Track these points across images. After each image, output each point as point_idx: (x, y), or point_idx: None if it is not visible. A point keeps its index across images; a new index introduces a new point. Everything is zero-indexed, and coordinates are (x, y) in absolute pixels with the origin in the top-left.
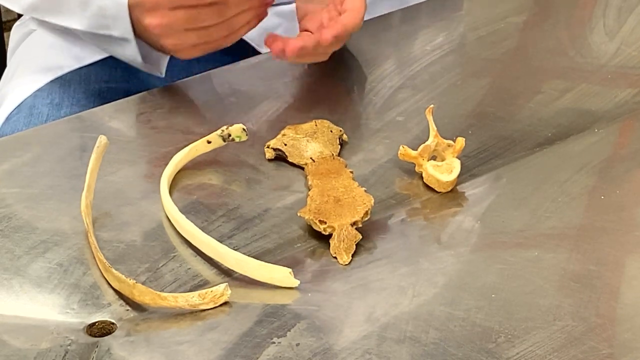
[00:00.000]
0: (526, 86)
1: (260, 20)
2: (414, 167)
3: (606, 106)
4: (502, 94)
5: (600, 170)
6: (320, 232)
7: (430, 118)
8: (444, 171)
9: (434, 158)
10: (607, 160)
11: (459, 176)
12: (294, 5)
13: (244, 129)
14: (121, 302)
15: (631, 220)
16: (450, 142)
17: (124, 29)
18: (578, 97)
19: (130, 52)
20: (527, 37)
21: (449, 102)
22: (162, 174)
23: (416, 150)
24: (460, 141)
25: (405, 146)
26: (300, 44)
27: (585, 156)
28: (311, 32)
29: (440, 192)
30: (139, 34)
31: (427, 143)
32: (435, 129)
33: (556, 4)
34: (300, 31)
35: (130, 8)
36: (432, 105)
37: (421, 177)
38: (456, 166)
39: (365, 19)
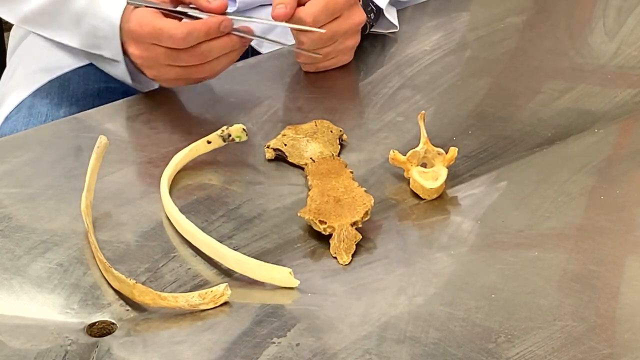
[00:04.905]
0: (526, 86)
1: (239, 55)
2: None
3: (606, 106)
4: (502, 94)
5: (600, 170)
6: (320, 232)
7: (421, 124)
8: (429, 178)
9: (424, 165)
10: (607, 160)
11: (457, 177)
12: None
13: (244, 129)
14: (121, 302)
15: (631, 220)
16: (440, 150)
17: (114, 50)
18: (578, 97)
19: (119, 72)
20: (527, 37)
21: (449, 102)
22: (162, 174)
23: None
24: (452, 151)
25: (395, 151)
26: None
27: (585, 156)
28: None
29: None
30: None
31: (416, 149)
32: (426, 135)
33: (556, 4)
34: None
35: (121, 31)
36: (423, 112)
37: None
38: (442, 174)
39: None
